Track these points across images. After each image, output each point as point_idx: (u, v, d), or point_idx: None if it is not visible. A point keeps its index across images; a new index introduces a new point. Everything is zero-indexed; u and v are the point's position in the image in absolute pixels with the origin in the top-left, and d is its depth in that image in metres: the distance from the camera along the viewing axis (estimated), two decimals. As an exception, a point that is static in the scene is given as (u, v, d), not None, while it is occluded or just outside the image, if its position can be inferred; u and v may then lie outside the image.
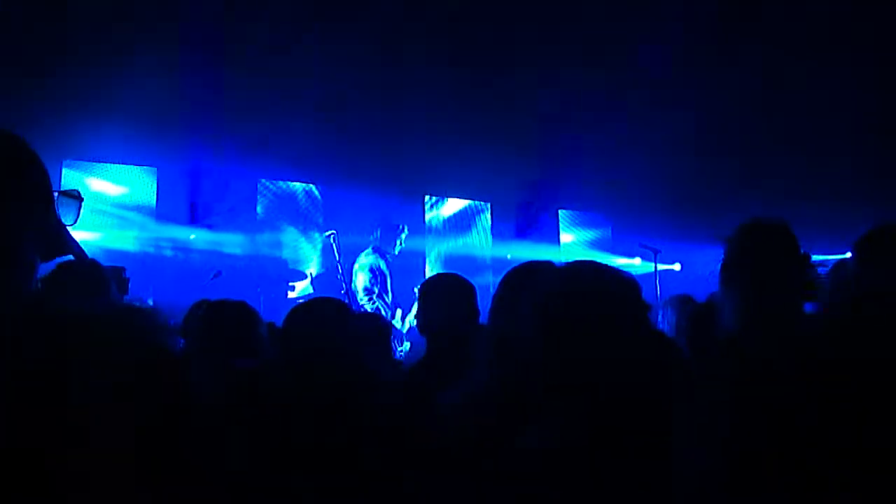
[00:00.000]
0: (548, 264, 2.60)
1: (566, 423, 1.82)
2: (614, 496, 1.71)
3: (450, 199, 11.80)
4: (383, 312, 8.08)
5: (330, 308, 2.61)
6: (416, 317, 3.70)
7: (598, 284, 1.92)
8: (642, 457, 1.72)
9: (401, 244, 8.09)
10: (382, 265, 8.64)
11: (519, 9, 9.52)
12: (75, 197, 1.58)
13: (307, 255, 10.41)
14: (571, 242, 12.70)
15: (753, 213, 2.75)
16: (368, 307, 8.01)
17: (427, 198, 11.62)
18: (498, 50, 9.85)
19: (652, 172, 11.06)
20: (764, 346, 2.38)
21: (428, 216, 11.59)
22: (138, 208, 9.46)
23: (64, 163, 8.98)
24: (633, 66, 9.82)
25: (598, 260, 2.08)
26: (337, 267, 7.80)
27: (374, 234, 8.77)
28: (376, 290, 8.37)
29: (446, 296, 3.55)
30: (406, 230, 8.14)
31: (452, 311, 3.50)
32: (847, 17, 9.32)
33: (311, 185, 10.69)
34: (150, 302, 8.27)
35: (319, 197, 10.74)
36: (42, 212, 1.35)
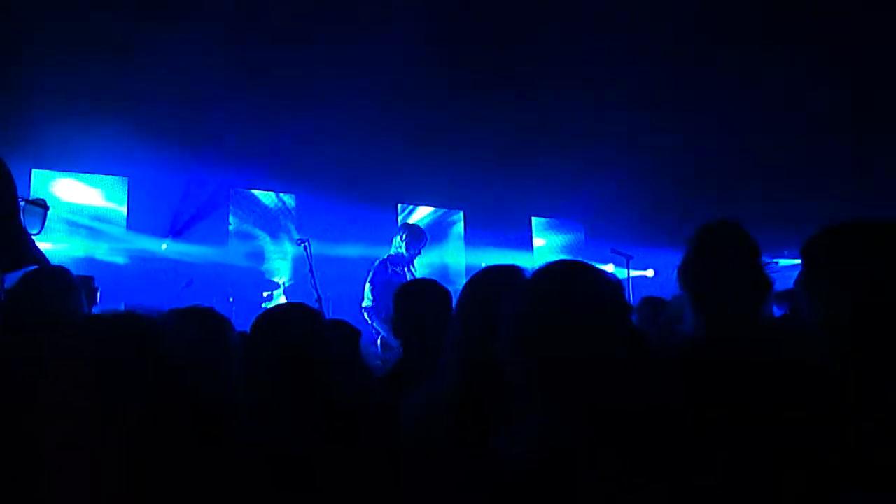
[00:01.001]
0: (512, 268, 2.63)
1: (546, 423, 1.80)
2: (595, 497, 1.70)
3: (422, 207, 11.83)
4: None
5: (295, 314, 2.61)
6: (392, 322, 3.71)
7: (580, 283, 1.89)
8: (625, 458, 1.72)
9: (399, 247, 7.89)
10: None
11: (495, 21, 9.57)
12: (41, 206, 1.57)
13: (279, 263, 10.40)
14: (544, 249, 12.76)
15: (736, 215, 2.76)
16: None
17: (400, 206, 11.64)
18: (472, 60, 9.89)
19: (625, 179, 11.13)
20: (719, 348, 2.43)
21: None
22: (109, 218, 9.41)
23: (33, 171, 8.91)
24: (608, 78, 9.89)
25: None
26: (310, 275, 7.74)
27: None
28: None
29: (421, 301, 3.56)
30: (405, 233, 7.94)
31: (427, 316, 3.51)
32: (797, 17, 9.46)
33: (283, 194, 10.69)
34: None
35: (293, 205, 10.74)
36: (6, 221, 1.33)
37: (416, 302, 3.58)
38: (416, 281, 3.83)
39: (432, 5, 8.92)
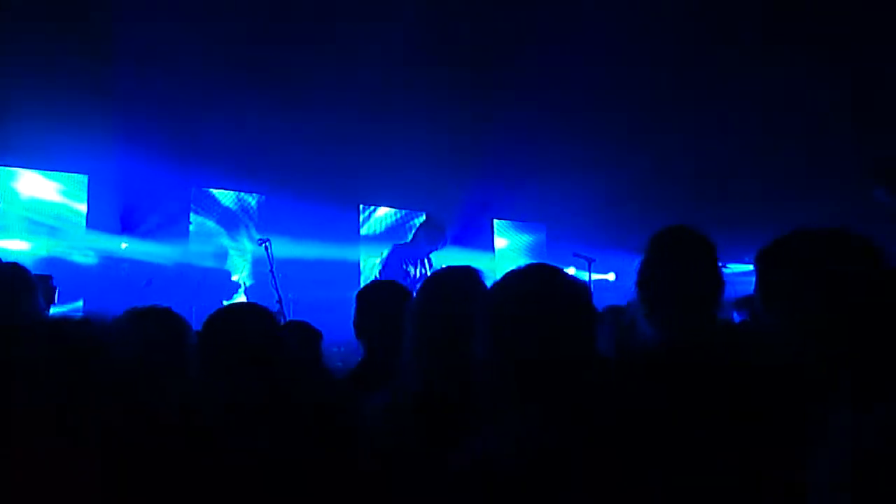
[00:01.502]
0: (468, 269, 2.63)
1: (522, 425, 1.81)
2: (573, 498, 1.72)
3: (383, 208, 11.80)
4: None
5: (250, 313, 2.58)
6: (353, 323, 3.68)
7: (554, 286, 1.92)
8: (602, 460, 1.73)
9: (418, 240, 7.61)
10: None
11: (460, 24, 9.61)
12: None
13: (240, 263, 10.34)
14: (506, 251, 12.79)
15: (689, 222, 2.77)
16: None
17: (362, 207, 11.61)
18: (435, 61, 9.89)
19: (587, 182, 11.16)
20: (676, 353, 2.45)
21: (363, 225, 11.59)
22: (68, 216, 9.28)
23: (-8, 167, 8.78)
24: (571, 83, 9.93)
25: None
26: (270, 276, 7.67)
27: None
28: None
29: (382, 302, 3.54)
30: (424, 226, 7.69)
31: (388, 317, 3.49)
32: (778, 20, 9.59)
33: (244, 194, 10.62)
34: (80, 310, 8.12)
35: (254, 205, 10.67)
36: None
37: (377, 302, 3.55)
38: (376, 282, 3.80)
39: (397, 8, 8.91)
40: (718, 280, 2.61)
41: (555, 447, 1.74)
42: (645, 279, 2.66)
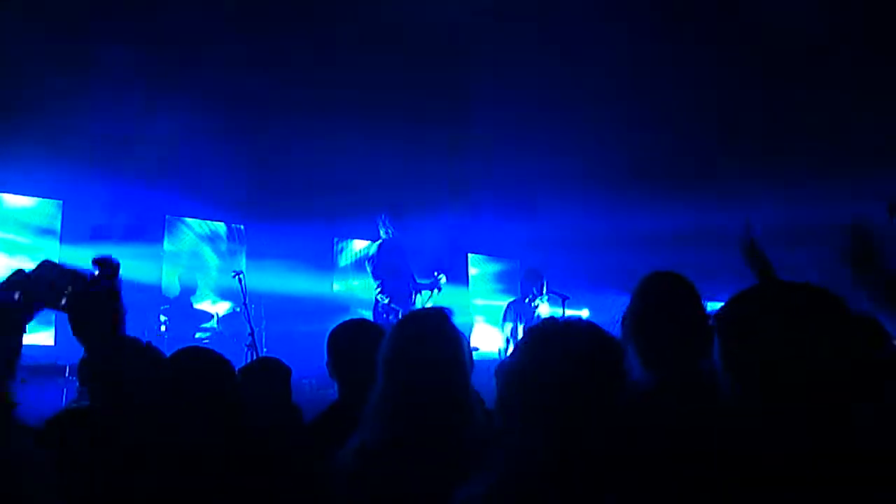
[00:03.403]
0: (439, 312, 2.59)
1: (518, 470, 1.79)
2: None
3: (358, 241, 11.73)
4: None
5: (213, 359, 2.53)
6: (326, 364, 3.61)
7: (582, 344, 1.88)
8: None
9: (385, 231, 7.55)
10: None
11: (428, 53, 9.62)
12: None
13: (213, 295, 10.22)
14: (479, 284, 12.76)
15: (665, 259, 2.83)
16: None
17: (336, 240, 11.59)
18: (409, 99, 9.91)
19: (563, 220, 11.19)
20: (663, 398, 2.47)
21: (338, 258, 11.56)
22: (42, 239, 9.20)
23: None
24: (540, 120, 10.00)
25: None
26: (243, 308, 7.58)
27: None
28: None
29: (354, 345, 3.47)
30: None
31: (360, 361, 3.42)
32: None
33: (217, 223, 10.52)
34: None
35: (227, 235, 10.57)
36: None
37: (348, 345, 3.48)
38: (350, 321, 3.72)
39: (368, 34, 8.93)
40: (704, 325, 2.63)
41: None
42: (638, 321, 2.69)
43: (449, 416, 2.35)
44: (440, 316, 2.56)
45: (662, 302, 2.72)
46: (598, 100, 10.00)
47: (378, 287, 7.45)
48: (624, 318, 2.76)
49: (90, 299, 2.02)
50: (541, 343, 1.89)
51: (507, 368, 1.92)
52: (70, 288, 1.97)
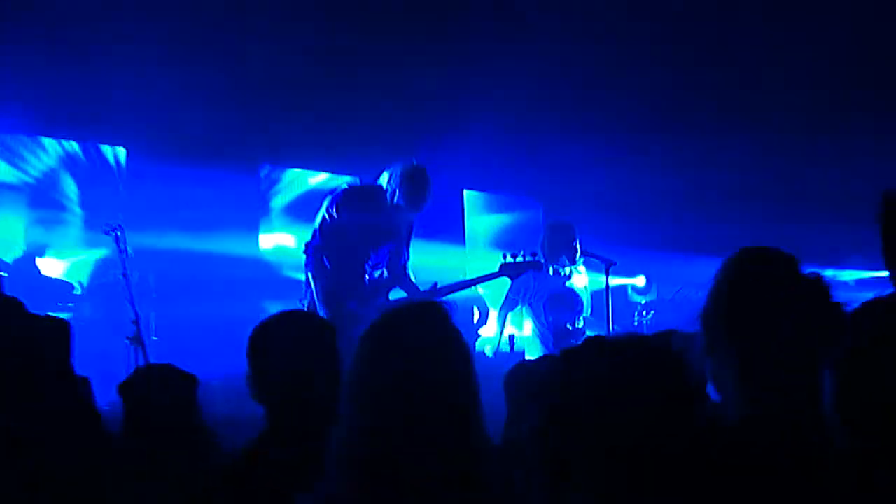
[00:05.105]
0: (432, 308, 2.60)
1: None
2: None
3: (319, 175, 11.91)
4: None
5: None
6: (247, 381, 3.56)
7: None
8: None
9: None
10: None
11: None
12: None
13: (76, 259, 10.09)
14: (480, 232, 13.02)
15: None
16: None
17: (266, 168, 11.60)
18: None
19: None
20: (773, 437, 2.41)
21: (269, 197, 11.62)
22: None
23: None
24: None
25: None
26: (123, 280, 7.34)
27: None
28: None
29: (288, 350, 3.43)
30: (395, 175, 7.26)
31: (298, 373, 3.39)
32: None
33: (72, 143, 10.31)
34: None
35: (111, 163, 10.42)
36: None
37: (282, 349, 3.44)
38: (284, 315, 3.67)
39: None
40: (833, 325, 2.49)
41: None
42: (725, 322, 2.63)
43: (451, 464, 2.36)
44: (437, 316, 2.55)
45: (778, 296, 2.58)
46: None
47: (312, 253, 7.12)
48: (706, 314, 2.68)
49: None
50: (589, 378, 1.91)
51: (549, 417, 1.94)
52: None
